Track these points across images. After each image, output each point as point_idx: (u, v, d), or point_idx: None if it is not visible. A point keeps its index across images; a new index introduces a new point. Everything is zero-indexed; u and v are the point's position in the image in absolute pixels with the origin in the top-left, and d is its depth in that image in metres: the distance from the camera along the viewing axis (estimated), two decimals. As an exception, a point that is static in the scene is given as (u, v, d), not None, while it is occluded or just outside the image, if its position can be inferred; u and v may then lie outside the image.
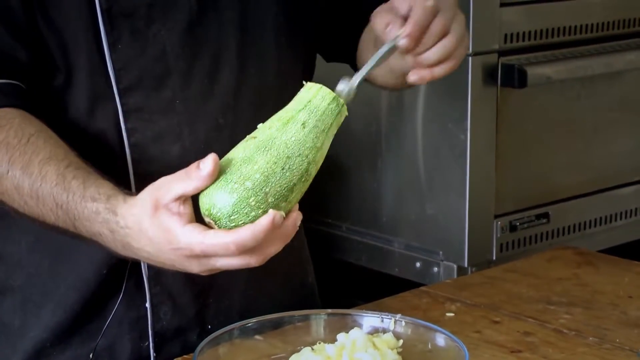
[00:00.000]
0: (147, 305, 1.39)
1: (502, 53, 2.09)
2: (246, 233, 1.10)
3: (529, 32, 2.12)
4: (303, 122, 1.16)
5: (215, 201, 1.12)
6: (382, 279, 2.28)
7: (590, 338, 1.40)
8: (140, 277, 1.38)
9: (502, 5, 2.07)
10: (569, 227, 2.26)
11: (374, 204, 2.25)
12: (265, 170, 1.13)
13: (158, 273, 1.38)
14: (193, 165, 1.12)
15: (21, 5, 1.29)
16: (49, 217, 1.26)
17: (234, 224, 1.12)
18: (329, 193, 2.30)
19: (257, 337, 1.27)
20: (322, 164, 1.20)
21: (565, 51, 2.19)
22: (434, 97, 2.13)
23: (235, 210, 1.12)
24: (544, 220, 2.21)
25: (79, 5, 1.30)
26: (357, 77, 1.21)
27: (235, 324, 1.26)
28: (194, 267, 1.15)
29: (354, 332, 1.25)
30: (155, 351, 1.40)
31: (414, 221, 2.20)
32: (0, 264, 1.42)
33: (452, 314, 1.48)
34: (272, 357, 1.26)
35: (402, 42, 1.23)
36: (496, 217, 2.15)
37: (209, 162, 1.11)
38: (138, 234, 1.16)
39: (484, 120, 2.10)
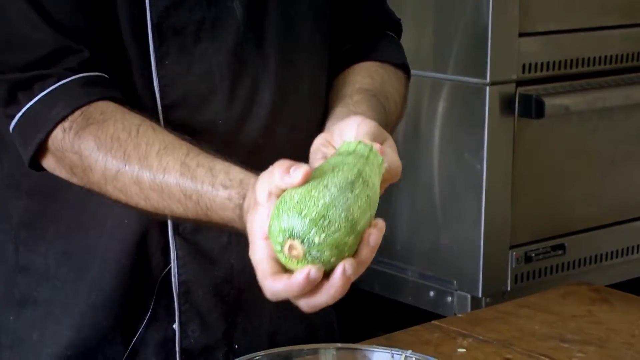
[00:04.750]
0: (176, 325, 1.37)
1: (519, 83, 2.09)
2: (279, 284, 1.06)
3: (547, 63, 2.11)
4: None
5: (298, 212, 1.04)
6: (395, 307, 2.26)
7: (604, 378, 1.38)
8: (170, 297, 1.37)
9: (521, 35, 2.07)
10: (584, 259, 2.24)
11: (389, 232, 2.21)
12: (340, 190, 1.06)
13: (188, 291, 1.37)
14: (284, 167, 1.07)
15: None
16: (176, 208, 1.23)
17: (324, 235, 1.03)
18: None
19: (266, 371, 1.26)
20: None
21: (584, 82, 2.18)
22: (450, 127, 2.12)
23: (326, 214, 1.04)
24: (560, 252, 2.20)
25: (131, 18, 1.29)
26: None
27: (243, 357, 1.25)
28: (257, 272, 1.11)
29: (364, 368, 1.23)
30: None
31: (429, 250, 2.19)
32: (24, 276, 1.40)
33: (463, 350, 1.46)
34: (280, 392, 1.25)
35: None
36: (511, 247, 2.14)
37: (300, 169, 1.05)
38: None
39: (500, 150, 2.09)
